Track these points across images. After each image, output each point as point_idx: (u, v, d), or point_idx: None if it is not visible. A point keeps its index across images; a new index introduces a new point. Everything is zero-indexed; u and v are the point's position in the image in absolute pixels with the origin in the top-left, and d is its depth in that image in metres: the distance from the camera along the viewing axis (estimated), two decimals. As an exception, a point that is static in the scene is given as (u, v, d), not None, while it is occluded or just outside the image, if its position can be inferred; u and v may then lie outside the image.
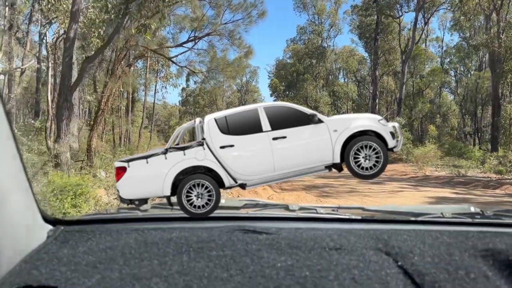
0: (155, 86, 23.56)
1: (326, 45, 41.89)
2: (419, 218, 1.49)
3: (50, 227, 1.27)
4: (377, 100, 33.88)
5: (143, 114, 24.22)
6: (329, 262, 1.08)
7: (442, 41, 44.28)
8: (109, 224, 1.40)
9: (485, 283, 0.98)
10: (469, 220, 1.49)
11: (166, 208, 1.62)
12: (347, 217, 1.51)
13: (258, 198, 1.88)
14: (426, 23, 34.39)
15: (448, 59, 43.32)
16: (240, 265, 1.05)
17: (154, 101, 24.70)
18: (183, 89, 71.80)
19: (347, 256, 1.11)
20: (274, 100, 49.55)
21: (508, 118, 21.74)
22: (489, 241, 1.20)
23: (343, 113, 42.36)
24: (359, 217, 1.53)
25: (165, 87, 23.89)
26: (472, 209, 1.63)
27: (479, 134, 38.66)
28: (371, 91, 36.87)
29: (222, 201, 1.59)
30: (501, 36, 22.86)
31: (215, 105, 61.84)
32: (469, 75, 39.48)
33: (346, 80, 43.66)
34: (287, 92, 44.62)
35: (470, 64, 41.28)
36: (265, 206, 1.65)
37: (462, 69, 42.47)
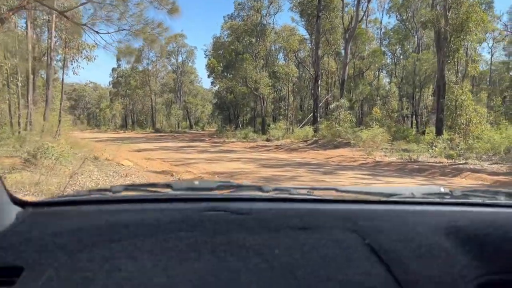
0: (64, 59, 19.75)
1: (266, 23, 39.59)
2: (390, 199, 1.47)
3: (18, 209, 1.21)
4: (319, 82, 32.39)
5: (62, 94, 20.42)
6: (297, 241, 1.11)
7: (381, 23, 43.99)
8: (79, 206, 1.31)
9: (445, 258, 1.03)
10: (438, 200, 1.49)
11: (139, 190, 1.58)
12: (319, 197, 1.47)
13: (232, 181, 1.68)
14: (368, 1, 33.24)
15: (387, 41, 43.13)
16: (210, 245, 1.08)
17: (63, 77, 20.85)
18: (113, 69, 66.97)
19: (314, 235, 1.15)
20: (212, 82, 46.94)
21: (454, 100, 20.89)
22: (453, 219, 1.24)
23: (284, 96, 40.77)
24: (331, 198, 1.51)
25: (76, 60, 19.95)
26: (442, 190, 1.62)
27: (417, 116, 38.92)
28: (312, 73, 35.39)
29: (196, 182, 1.58)
30: (447, 13, 21.91)
31: (148, 87, 57.95)
32: (407, 57, 39.37)
33: (286, 60, 41.88)
34: (226, 73, 42.14)
35: (408, 46, 41.31)
36: (239, 187, 1.57)
37: (400, 51, 42.43)
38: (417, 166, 15.27)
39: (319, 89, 33.02)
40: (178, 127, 58.34)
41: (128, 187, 1.56)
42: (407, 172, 14.42)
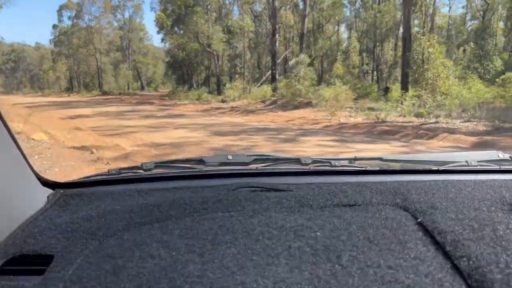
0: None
1: (217, -29, 36.12)
2: (442, 167, 1.37)
3: (50, 191, 1.24)
4: (276, 36, 30.02)
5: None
6: (342, 220, 1.02)
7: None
8: (110, 186, 1.34)
9: None
10: (497, 167, 1.37)
11: (171, 166, 1.47)
12: (363, 168, 1.38)
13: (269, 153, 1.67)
14: None
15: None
16: (246, 226, 1.01)
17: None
18: (54, 26, 61.16)
19: (362, 213, 1.06)
20: (162, 39, 43.25)
21: (421, 53, 19.33)
22: None
23: (240, 55, 38.11)
24: (377, 168, 1.41)
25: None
26: (500, 155, 1.47)
27: (378, 72, 37.67)
28: (269, 27, 32.87)
29: (229, 157, 1.48)
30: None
31: (92, 45, 53.23)
32: (368, 9, 37.46)
33: (241, 13, 38.87)
34: (175, 28, 38.76)
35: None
36: (276, 160, 1.47)
37: (360, 3, 40.42)
38: (387, 128, 13.70)
39: (277, 45, 30.74)
40: (128, 89, 54.57)
41: (159, 164, 1.47)
42: (377, 135, 12.83)
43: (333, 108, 18.03)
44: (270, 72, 30.82)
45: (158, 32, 41.80)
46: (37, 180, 1.17)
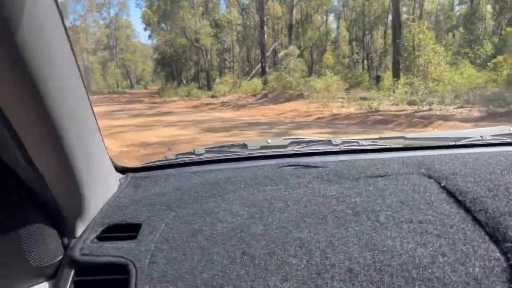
0: None
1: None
2: (459, 142, 1.52)
3: (120, 175, 1.40)
4: (265, 28, 29.63)
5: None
6: (376, 188, 1.16)
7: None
8: (169, 169, 1.49)
9: None
10: (509, 140, 1.52)
11: (220, 151, 1.64)
12: (388, 146, 1.54)
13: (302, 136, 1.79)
14: None
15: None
16: (295, 196, 1.16)
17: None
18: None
19: (392, 182, 1.19)
20: (149, 36, 42.66)
21: (411, 39, 19.08)
22: None
23: (228, 49, 37.64)
24: (400, 146, 1.57)
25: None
26: (511, 129, 1.64)
27: (368, 61, 37.44)
28: (257, 20, 32.44)
29: (269, 141, 1.68)
30: None
31: (78, 44, 52.37)
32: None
33: (228, 6, 38.35)
34: (162, 24, 38.17)
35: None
36: (309, 142, 1.64)
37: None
38: (380, 117, 13.50)
39: (266, 37, 30.36)
40: (118, 88, 53.87)
41: (209, 149, 1.63)
42: (370, 125, 12.60)
43: (325, 99, 17.79)
44: (259, 65, 30.48)
45: (145, 29, 41.52)
46: (112, 166, 1.32)
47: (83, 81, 0.93)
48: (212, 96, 27.30)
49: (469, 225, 0.98)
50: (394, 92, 17.34)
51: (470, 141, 1.52)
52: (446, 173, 1.19)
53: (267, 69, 28.56)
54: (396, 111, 14.86)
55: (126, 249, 1.01)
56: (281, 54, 27.54)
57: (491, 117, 11.97)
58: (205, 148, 1.63)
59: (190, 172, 1.44)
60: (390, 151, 1.51)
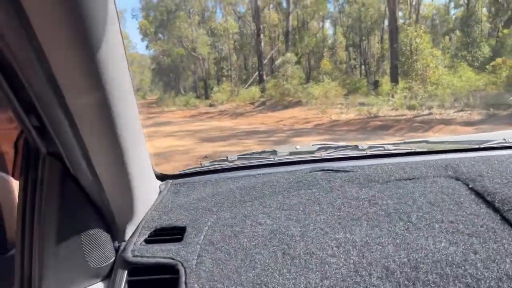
0: None
1: (197, -26, 35.59)
2: (483, 145, 1.54)
3: (159, 182, 1.46)
4: (261, 36, 29.58)
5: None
6: (406, 190, 1.20)
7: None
8: (205, 175, 1.55)
9: None
10: None
11: (251, 158, 1.69)
12: (413, 150, 1.57)
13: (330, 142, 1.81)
14: None
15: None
16: (328, 199, 1.20)
17: None
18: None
19: (421, 184, 1.23)
20: (146, 46, 42.69)
21: (409, 43, 18.99)
22: None
23: (226, 58, 37.56)
24: (425, 150, 1.59)
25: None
26: None
27: (366, 66, 37.39)
28: (253, 28, 32.43)
29: (298, 147, 1.72)
30: None
31: (76, 57, 52.34)
32: (352, 4, 37.14)
33: (224, 15, 38.37)
34: (159, 35, 38.16)
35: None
36: (337, 148, 1.69)
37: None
38: (380, 123, 13.35)
39: (262, 45, 30.32)
40: (115, 99, 53.66)
41: (241, 156, 1.69)
42: (370, 131, 12.45)
43: (323, 106, 17.66)
44: (257, 73, 30.39)
45: (142, 40, 41.34)
46: (153, 173, 1.35)
47: (133, 91, 0.97)
48: (210, 105, 27.17)
49: (499, 224, 1.00)
50: (393, 97, 17.23)
51: (493, 143, 1.54)
52: (473, 175, 1.23)
53: (264, 76, 28.48)
54: (396, 116, 14.72)
55: (174, 251, 1.06)
56: (278, 61, 27.44)
57: (492, 120, 11.83)
58: (237, 155, 1.69)
59: (225, 178, 1.49)
60: (415, 155, 1.54)
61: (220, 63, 40.34)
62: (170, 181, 1.50)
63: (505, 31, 24.33)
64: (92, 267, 1.03)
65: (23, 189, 0.97)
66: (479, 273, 0.87)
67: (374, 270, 0.92)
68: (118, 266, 1.07)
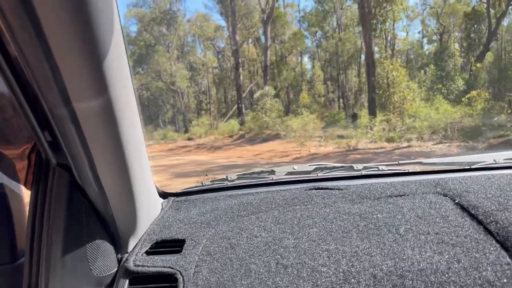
0: None
1: (176, 9, 35.90)
2: (473, 166, 1.58)
3: (161, 199, 1.53)
4: (240, 70, 29.64)
5: None
6: (395, 206, 1.25)
7: (298, 6, 42.24)
8: (206, 194, 1.59)
9: None
10: None
11: (250, 177, 1.74)
12: (406, 171, 1.62)
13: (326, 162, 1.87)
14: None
15: (306, 24, 41.43)
16: (321, 214, 1.26)
17: None
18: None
19: (410, 200, 1.28)
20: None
21: (385, 77, 19.14)
22: None
23: (205, 91, 37.49)
24: (418, 170, 1.64)
25: None
26: None
27: (344, 99, 37.78)
28: (232, 62, 32.59)
29: (295, 167, 1.76)
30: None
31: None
32: (328, 39, 37.91)
33: (203, 49, 38.61)
34: (138, 69, 37.98)
35: (327, 28, 39.94)
36: (332, 168, 1.73)
37: (320, 33, 40.93)
38: (359, 156, 13.08)
39: (241, 78, 30.34)
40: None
41: (240, 176, 1.74)
42: (350, 164, 12.13)
43: (302, 139, 17.38)
44: (236, 106, 30.25)
45: (120, 73, 40.82)
46: (156, 191, 1.41)
47: (139, 109, 1.01)
48: (189, 139, 26.69)
49: (482, 235, 1.05)
50: (371, 129, 17.12)
51: (484, 164, 1.58)
52: (460, 191, 1.28)
53: (243, 110, 28.33)
54: (375, 148, 14.52)
55: (174, 261, 1.12)
56: (257, 94, 27.40)
57: (471, 153, 11.68)
58: (237, 174, 1.72)
59: (225, 195, 1.53)
60: (408, 175, 1.57)
61: (199, 96, 40.23)
62: (172, 198, 1.56)
63: (478, 65, 24.96)
64: (96, 276, 1.07)
65: (33, 199, 1.02)
66: (461, 280, 0.92)
67: (363, 278, 0.97)
68: (120, 275, 1.12)
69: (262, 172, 1.77)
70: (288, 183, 1.60)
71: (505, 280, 0.91)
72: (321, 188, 1.45)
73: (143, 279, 1.09)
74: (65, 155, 0.93)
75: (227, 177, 1.70)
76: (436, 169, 1.62)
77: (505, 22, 29.15)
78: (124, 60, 0.85)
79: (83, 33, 0.70)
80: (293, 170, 1.72)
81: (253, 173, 1.79)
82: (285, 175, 1.69)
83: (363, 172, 1.61)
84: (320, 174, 1.65)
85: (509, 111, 16.05)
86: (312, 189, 1.45)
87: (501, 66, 23.60)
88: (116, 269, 1.15)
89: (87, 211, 1.06)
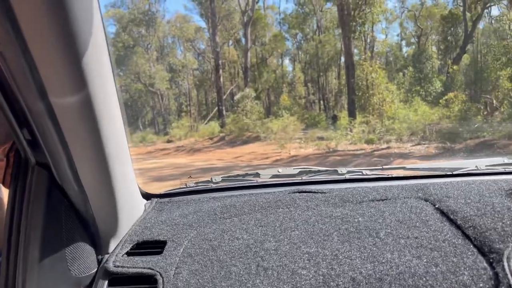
0: None
1: (155, 10, 35.44)
2: (455, 172, 1.60)
3: (145, 200, 1.51)
4: (220, 71, 29.42)
5: None
6: (377, 210, 1.26)
7: (279, 8, 42.25)
8: (190, 195, 1.60)
9: (507, 213, 1.12)
10: (502, 170, 1.59)
11: (235, 180, 1.75)
12: (390, 176, 1.62)
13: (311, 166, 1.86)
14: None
15: (286, 26, 41.48)
16: (304, 217, 1.26)
17: None
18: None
19: (392, 204, 1.29)
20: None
21: (365, 78, 19.22)
22: None
23: (185, 93, 37.15)
24: (401, 175, 1.66)
25: None
26: (506, 160, 1.70)
27: (324, 101, 37.93)
28: (212, 64, 32.35)
29: (280, 170, 1.75)
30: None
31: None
32: (309, 41, 38.03)
33: (183, 51, 38.22)
34: (117, 70, 37.31)
35: (308, 30, 40.08)
36: (317, 172, 1.74)
37: (301, 35, 41.02)
38: (339, 158, 13.03)
39: (222, 80, 30.11)
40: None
41: (225, 178, 1.73)
42: (329, 166, 12.03)
43: (283, 141, 17.27)
44: (217, 108, 30.01)
45: (99, 75, 40.06)
46: (139, 192, 1.39)
47: (122, 111, 1.00)
48: (168, 141, 26.31)
49: (460, 239, 1.07)
50: (351, 131, 17.13)
51: (465, 170, 1.60)
52: (440, 196, 1.29)
53: (224, 112, 28.11)
54: (354, 150, 14.52)
55: (154, 262, 1.11)
56: (237, 96, 27.23)
57: (449, 154, 11.77)
58: (222, 177, 1.71)
59: (209, 197, 1.52)
60: (391, 180, 1.58)
61: (179, 98, 39.80)
62: (155, 199, 1.54)
63: (455, 67, 25.36)
64: (74, 276, 1.06)
65: (12, 197, 1.01)
66: (438, 283, 0.94)
67: (342, 281, 0.98)
68: (99, 276, 1.11)
69: (247, 174, 1.77)
70: (272, 186, 1.61)
71: (481, 285, 0.92)
72: (305, 192, 1.45)
73: (122, 280, 1.09)
74: (44, 153, 0.93)
75: (211, 179, 1.70)
76: (419, 175, 1.65)
77: (480, 25, 29.81)
78: (104, 56, 0.84)
79: (61, 28, 0.69)
80: (278, 173, 1.72)
81: (238, 175, 1.81)
82: (270, 178, 1.70)
83: (347, 176, 1.62)
84: (305, 178, 1.66)
85: (485, 113, 16.29)
86: (296, 192, 1.45)
87: (477, 69, 24.03)
88: (95, 269, 1.14)
89: (66, 211, 1.05)
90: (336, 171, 1.69)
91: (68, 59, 0.74)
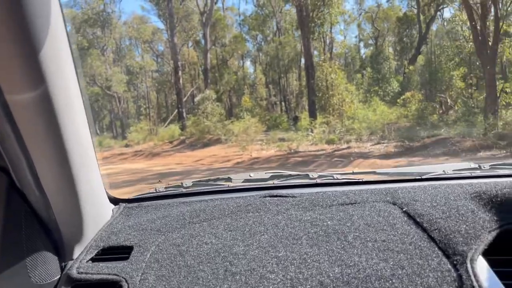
0: None
1: (110, 11, 34.28)
2: (424, 176, 1.62)
3: (112, 205, 1.48)
4: (180, 73, 28.80)
5: None
6: (346, 213, 1.27)
7: (238, 10, 41.98)
8: (159, 200, 1.57)
9: (471, 215, 1.15)
10: (468, 174, 1.63)
11: (206, 184, 1.74)
12: (360, 180, 1.64)
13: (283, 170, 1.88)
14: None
15: (246, 28, 41.32)
16: (273, 221, 1.26)
17: None
18: None
19: (360, 208, 1.30)
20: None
21: (325, 79, 19.29)
22: (480, 188, 1.33)
23: (144, 96, 36.13)
24: (371, 180, 1.67)
25: None
26: (472, 165, 1.74)
27: (286, 102, 38.04)
28: (171, 65, 31.65)
29: (251, 174, 1.75)
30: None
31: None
32: (269, 43, 38.02)
33: (140, 53, 37.21)
34: (71, 73, 35.76)
35: (268, 31, 40.09)
36: (288, 176, 1.75)
37: (261, 37, 40.96)
38: (300, 159, 12.91)
39: (181, 82, 29.48)
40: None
41: (196, 182, 1.72)
42: (291, 167, 11.91)
43: (244, 143, 16.99)
44: (177, 110, 29.36)
45: (52, 78, 38.32)
46: (106, 196, 1.37)
47: (88, 115, 0.97)
48: (126, 145, 25.43)
49: (425, 242, 1.08)
50: (312, 131, 17.11)
51: (433, 175, 1.63)
52: (408, 200, 1.30)
53: (184, 114, 27.52)
54: (316, 151, 14.45)
55: (119, 268, 1.08)
56: (198, 98, 26.72)
57: (408, 152, 11.89)
58: (192, 181, 1.70)
59: (178, 202, 1.50)
60: (362, 184, 1.60)
61: (138, 101, 38.68)
62: (124, 204, 1.51)
63: (411, 67, 26.01)
64: (35, 284, 1.03)
65: None
66: (404, 286, 0.94)
67: (310, 285, 0.98)
68: (62, 283, 1.09)
69: (218, 179, 1.77)
70: (244, 190, 1.61)
71: (445, 286, 0.93)
72: (276, 196, 1.45)
73: (86, 287, 1.06)
74: (2, 156, 0.90)
75: (182, 183, 1.69)
76: (388, 179, 1.67)
77: (434, 27, 30.84)
78: (65, 53, 0.81)
79: (16, 21, 0.67)
80: (250, 178, 1.73)
81: (209, 180, 1.80)
82: (242, 182, 1.70)
83: (318, 181, 1.63)
84: (276, 182, 1.66)
85: (440, 112, 16.72)
86: (267, 196, 1.45)
87: (432, 69, 24.73)
88: (58, 276, 1.12)
89: (27, 216, 1.02)
90: (308, 175, 1.70)
91: (23, 53, 0.70)
